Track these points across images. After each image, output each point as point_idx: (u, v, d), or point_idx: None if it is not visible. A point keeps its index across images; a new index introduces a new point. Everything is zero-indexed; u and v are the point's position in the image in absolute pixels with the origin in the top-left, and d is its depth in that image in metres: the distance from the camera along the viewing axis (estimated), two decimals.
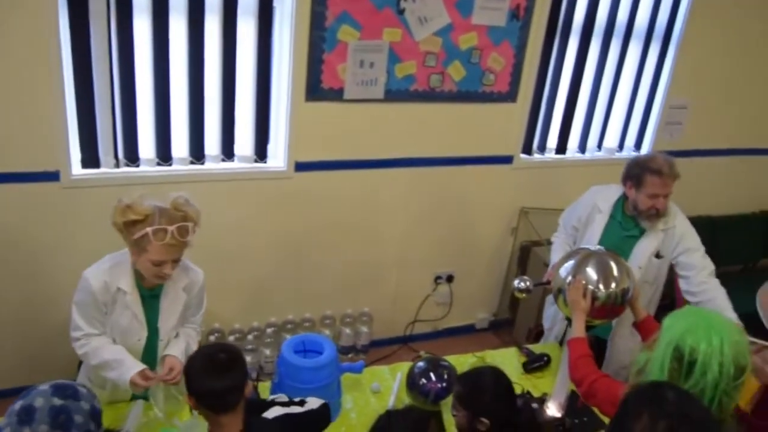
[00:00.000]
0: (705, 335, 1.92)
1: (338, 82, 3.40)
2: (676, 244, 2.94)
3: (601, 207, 2.98)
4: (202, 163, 3.34)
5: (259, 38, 3.23)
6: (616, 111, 4.26)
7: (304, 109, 3.39)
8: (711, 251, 4.88)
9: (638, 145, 4.42)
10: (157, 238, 2.09)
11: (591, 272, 2.36)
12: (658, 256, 2.95)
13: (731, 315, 2.79)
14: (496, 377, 2.09)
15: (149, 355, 2.35)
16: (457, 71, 3.62)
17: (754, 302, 3.61)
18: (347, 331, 3.97)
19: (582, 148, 4.20)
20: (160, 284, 2.30)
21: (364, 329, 4.01)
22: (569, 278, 2.39)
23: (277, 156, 3.50)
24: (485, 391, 2.04)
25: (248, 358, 3.58)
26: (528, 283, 2.79)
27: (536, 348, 3.11)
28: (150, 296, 2.31)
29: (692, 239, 3.00)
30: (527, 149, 4.04)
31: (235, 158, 3.43)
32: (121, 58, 3.00)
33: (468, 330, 4.42)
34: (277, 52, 3.32)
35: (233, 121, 3.34)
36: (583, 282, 2.34)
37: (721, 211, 4.92)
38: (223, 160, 3.41)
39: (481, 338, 4.31)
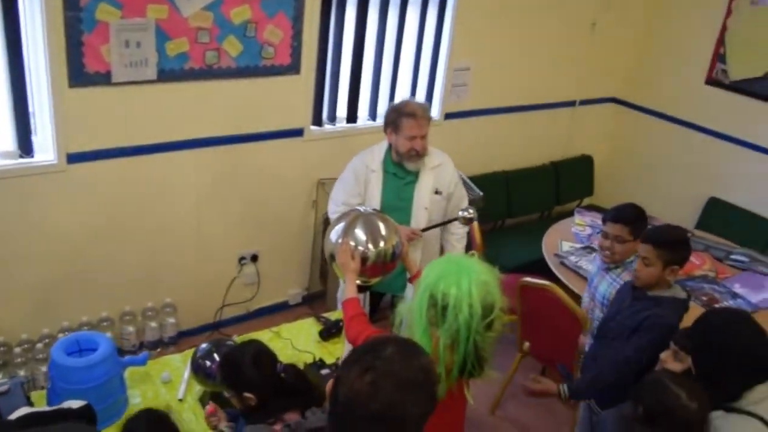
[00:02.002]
0: (455, 280, 2.01)
1: (104, 65, 3.20)
2: (449, 182, 3.19)
3: (372, 167, 3.13)
4: None
5: (5, 23, 2.97)
6: (403, 76, 4.36)
7: (69, 96, 3.16)
8: (508, 204, 5.22)
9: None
10: None
11: (359, 233, 2.40)
12: (437, 193, 3.20)
13: None
14: (248, 352, 2.13)
15: None
16: (233, 46, 3.53)
17: None
18: (152, 324, 3.81)
19: (372, 115, 4.27)
20: None
21: (170, 320, 3.87)
22: (339, 242, 2.42)
23: (46, 149, 3.25)
24: (240, 367, 2.07)
25: (42, 369, 3.35)
26: (471, 212, 3.03)
27: (334, 315, 3.14)
28: None
29: (461, 194, 3.25)
30: (317, 121, 4.04)
31: None
32: None
33: (282, 307, 4.39)
34: (31, 37, 3.07)
35: None
36: (352, 243, 2.38)
37: (514, 165, 5.22)
38: None
39: (296, 313, 4.28)
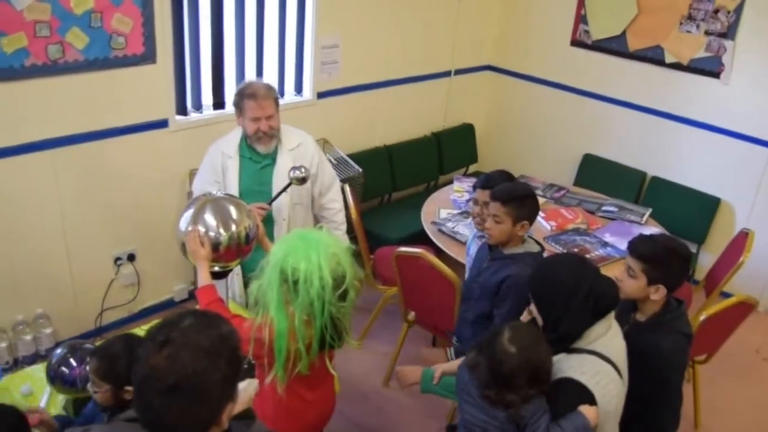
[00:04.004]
0: (304, 254, 2.00)
1: None
2: (310, 162, 3.12)
3: (228, 153, 3.07)
4: None
5: None
6: (268, 58, 4.27)
7: None
8: (392, 178, 5.23)
9: (299, 88, 4.51)
10: None
11: (209, 218, 2.34)
12: None
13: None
14: (128, 344, 2.07)
15: None
16: (78, 38, 3.36)
17: None
18: (26, 338, 3.63)
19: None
20: None
21: (46, 332, 3.69)
22: (189, 229, 2.35)
23: None
24: (119, 358, 2.01)
25: None
26: (304, 171, 2.92)
27: None
28: None
29: (326, 172, 3.21)
30: (182, 110, 3.92)
31: None
32: None
33: (168, 305, 4.27)
34: None
35: None
36: (202, 230, 2.32)
37: (395, 139, 5.24)
38: None
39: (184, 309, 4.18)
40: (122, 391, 2.04)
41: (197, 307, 3.05)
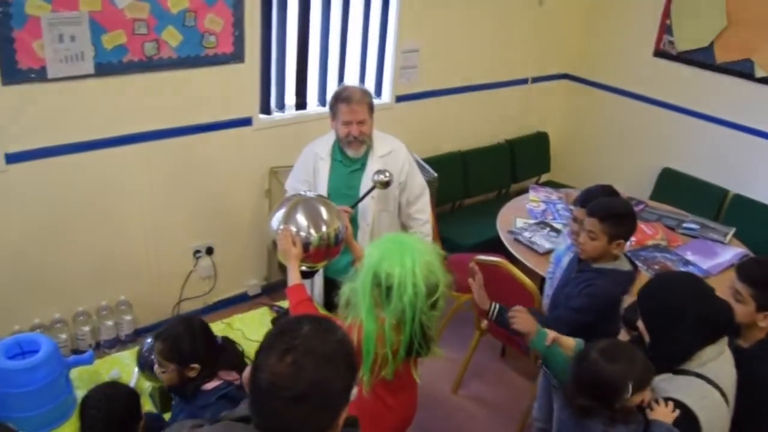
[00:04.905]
0: (399, 260, 2.01)
1: (38, 61, 3.12)
2: (400, 170, 3.11)
3: (321, 154, 3.10)
4: None
5: None
6: (351, 61, 4.32)
7: (3, 94, 3.08)
8: (465, 184, 5.22)
9: (378, 92, 4.54)
10: None
11: (300, 218, 2.38)
12: None
13: None
14: (189, 324, 2.22)
15: None
16: (172, 37, 3.47)
17: None
18: (108, 323, 3.76)
19: (322, 101, 4.23)
20: None
21: (127, 318, 3.82)
22: (280, 228, 2.39)
23: None
24: (183, 338, 2.14)
25: None
26: (388, 175, 2.87)
27: (286, 303, 3.11)
28: None
29: (416, 182, 3.18)
30: (266, 109, 4.00)
31: None
32: None
33: (241, 299, 4.36)
34: None
35: None
36: (294, 229, 2.36)
37: (469, 145, 5.22)
38: None
39: (256, 304, 4.26)
40: (187, 368, 2.16)
41: (275, 304, 3.14)
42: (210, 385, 2.18)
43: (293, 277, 2.31)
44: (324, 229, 2.38)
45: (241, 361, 2.35)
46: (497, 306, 2.53)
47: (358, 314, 2.06)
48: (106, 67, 3.32)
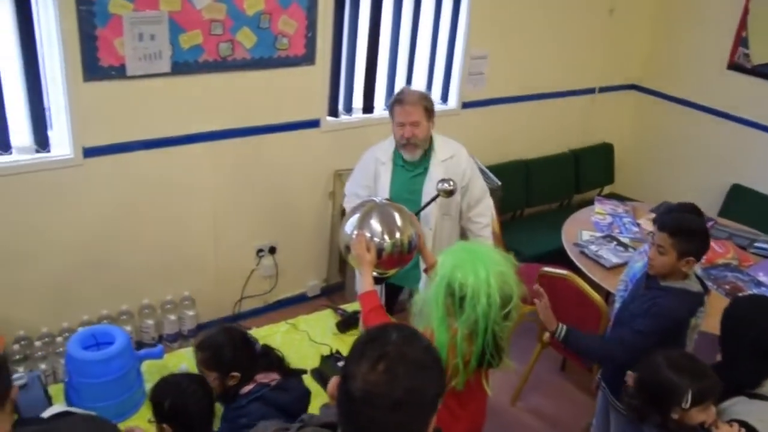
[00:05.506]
0: (472, 269, 1.99)
1: (118, 59, 3.20)
2: (462, 174, 3.09)
3: (382, 159, 3.10)
4: None
5: (18, 18, 2.97)
6: (419, 66, 4.31)
7: (84, 90, 3.17)
8: (527, 193, 5.16)
9: (445, 97, 4.52)
10: None
11: (374, 224, 2.37)
12: None
13: None
14: (230, 334, 2.25)
15: None
16: (247, 38, 3.51)
17: None
18: (171, 317, 3.82)
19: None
20: None
21: (189, 313, 3.87)
22: (354, 233, 2.39)
23: (62, 143, 3.26)
24: (223, 348, 2.18)
25: (62, 362, 3.37)
26: (452, 184, 2.82)
27: (351, 307, 3.12)
28: None
29: (477, 185, 3.16)
30: (334, 112, 4.02)
31: (13, 150, 3.16)
32: None
33: (300, 299, 4.39)
34: (44, 31, 3.08)
35: (3, 110, 3.06)
36: (368, 235, 2.35)
37: (533, 154, 5.16)
38: None
39: (315, 305, 4.26)
40: (228, 377, 2.19)
41: (340, 307, 3.14)
42: (246, 389, 2.21)
43: (366, 284, 2.30)
44: (398, 235, 2.37)
45: (281, 366, 2.39)
46: (564, 327, 2.50)
47: (430, 324, 2.05)
48: (181, 66, 3.38)
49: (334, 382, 1.36)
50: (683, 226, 2.46)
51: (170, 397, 2.04)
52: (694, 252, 2.45)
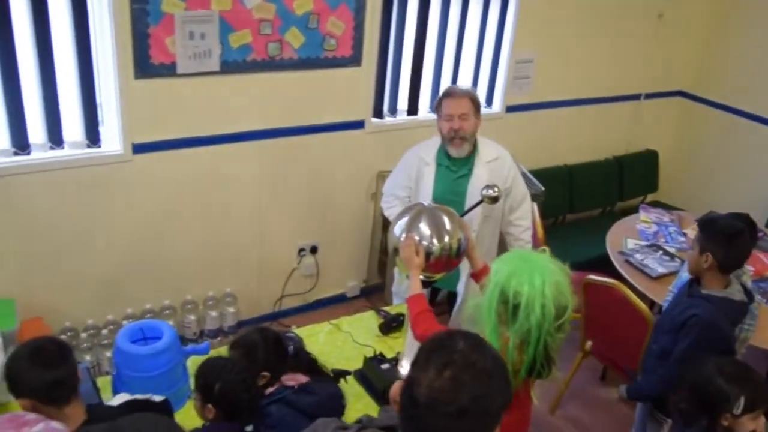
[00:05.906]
0: (528, 278, 1.95)
1: (169, 57, 3.24)
2: (506, 177, 3.11)
3: (426, 159, 3.10)
4: (28, 153, 3.12)
5: (74, 15, 3.02)
6: (464, 68, 4.29)
7: (135, 87, 3.22)
8: (570, 199, 5.10)
9: (489, 101, 4.49)
10: None
11: (423, 227, 2.35)
12: None
13: None
14: (264, 335, 2.28)
15: None
16: (295, 38, 3.53)
17: None
18: (212, 314, 3.86)
19: (434, 107, 4.21)
20: None
21: (231, 310, 3.91)
22: (403, 236, 2.38)
23: (112, 139, 3.31)
24: (257, 348, 2.21)
25: (107, 354, 3.42)
26: (497, 190, 2.75)
27: (393, 309, 3.12)
28: None
29: (519, 188, 3.14)
30: (378, 113, 4.02)
31: (65, 145, 3.22)
32: None
33: (340, 299, 4.39)
34: (98, 28, 3.13)
35: (57, 106, 3.12)
36: (417, 238, 2.34)
37: (576, 159, 5.10)
38: (52, 148, 3.18)
39: (354, 306, 4.28)
40: (258, 376, 2.20)
41: (383, 309, 3.13)
42: (269, 390, 2.22)
43: (414, 287, 2.28)
44: (446, 239, 2.35)
45: (313, 367, 2.42)
46: (623, 388, 2.77)
47: (482, 331, 2.01)
48: (230, 65, 3.40)
49: (397, 386, 1.35)
50: (710, 222, 2.46)
51: (221, 381, 2.04)
52: (713, 249, 2.42)
